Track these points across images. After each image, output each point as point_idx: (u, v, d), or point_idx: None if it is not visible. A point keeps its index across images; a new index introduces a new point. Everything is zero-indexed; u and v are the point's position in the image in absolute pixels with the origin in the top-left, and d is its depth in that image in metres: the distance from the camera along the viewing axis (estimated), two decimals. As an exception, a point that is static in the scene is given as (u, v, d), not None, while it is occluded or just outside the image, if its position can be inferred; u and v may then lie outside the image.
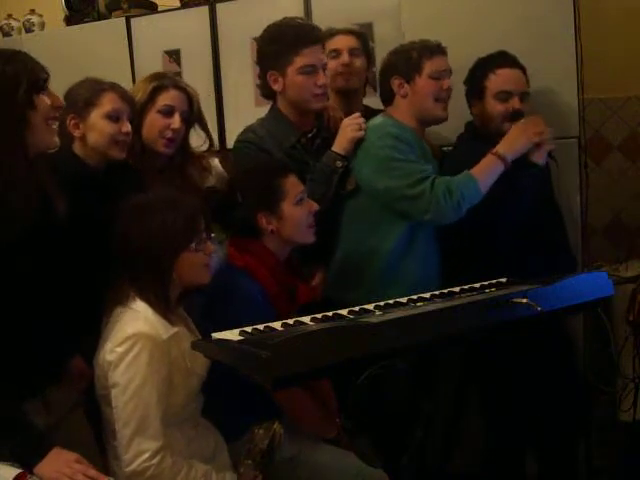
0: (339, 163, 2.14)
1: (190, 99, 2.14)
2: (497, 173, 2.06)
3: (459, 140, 2.35)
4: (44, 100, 1.55)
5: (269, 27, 2.22)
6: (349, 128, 2.17)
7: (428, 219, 2.06)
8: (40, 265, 1.55)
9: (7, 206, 1.48)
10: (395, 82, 2.18)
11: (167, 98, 2.10)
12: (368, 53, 2.51)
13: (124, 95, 1.95)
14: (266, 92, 2.28)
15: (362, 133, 2.15)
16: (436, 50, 2.17)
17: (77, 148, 1.91)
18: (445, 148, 2.44)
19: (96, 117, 1.89)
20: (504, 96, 2.18)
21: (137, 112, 2.04)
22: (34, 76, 1.53)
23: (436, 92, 2.15)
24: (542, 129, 2.09)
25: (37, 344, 1.55)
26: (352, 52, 2.44)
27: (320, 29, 2.25)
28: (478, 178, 2.04)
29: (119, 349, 1.57)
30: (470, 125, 2.32)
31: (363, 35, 2.52)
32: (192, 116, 2.15)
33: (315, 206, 1.97)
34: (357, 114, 2.22)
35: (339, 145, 2.17)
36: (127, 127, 1.92)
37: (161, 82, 2.12)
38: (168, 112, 2.09)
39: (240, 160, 2.24)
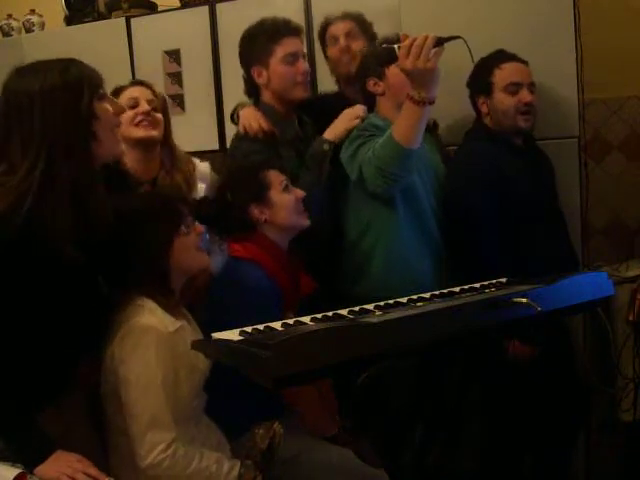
0: (326, 146, 2.18)
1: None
2: (418, 118, 1.89)
3: (468, 137, 2.34)
4: (106, 108, 1.51)
5: (248, 28, 2.30)
6: (347, 117, 2.19)
7: (372, 191, 2.06)
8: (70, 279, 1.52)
9: (78, 227, 1.45)
10: (370, 83, 2.19)
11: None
12: (368, 34, 2.48)
13: None
14: (250, 89, 2.34)
15: (357, 121, 2.17)
16: (397, 39, 2.10)
17: None
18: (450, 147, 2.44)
19: None
20: (513, 88, 2.19)
21: None
22: (94, 83, 1.50)
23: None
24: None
25: (48, 352, 1.52)
26: (349, 35, 2.44)
27: (297, 23, 2.30)
28: (394, 131, 1.93)
29: (127, 343, 1.57)
30: (479, 124, 2.32)
31: (359, 17, 2.49)
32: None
33: (301, 193, 2.02)
34: (360, 105, 2.23)
35: (331, 132, 2.20)
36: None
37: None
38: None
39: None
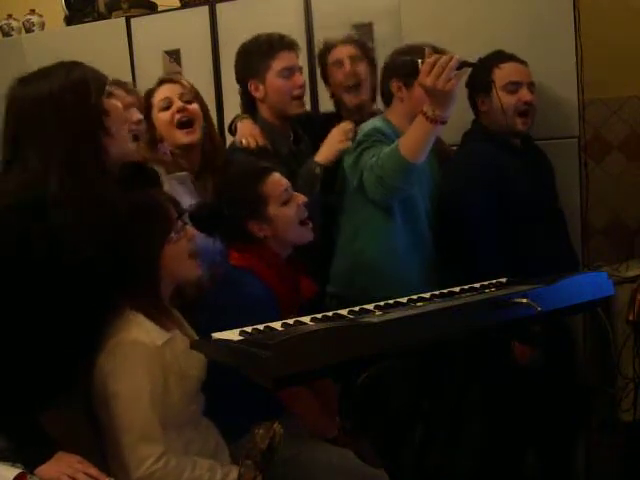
0: (317, 169, 2.18)
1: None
2: (427, 135, 1.91)
3: (466, 138, 2.34)
4: (115, 104, 1.52)
5: (243, 43, 2.32)
6: (336, 139, 2.20)
7: (370, 198, 2.06)
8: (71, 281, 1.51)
9: (79, 229, 1.43)
10: (394, 85, 2.18)
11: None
12: (369, 59, 2.47)
13: (124, 87, 1.99)
14: (247, 104, 2.36)
15: (348, 144, 2.17)
16: (422, 52, 2.10)
17: None
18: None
19: None
20: (513, 87, 2.20)
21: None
22: (100, 81, 1.51)
23: None
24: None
25: (48, 352, 1.52)
26: (353, 59, 2.41)
27: (292, 38, 2.31)
28: (401, 144, 1.94)
29: (114, 358, 1.56)
30: (478, 124, 2.32)
31: (361, 42, 2.48)
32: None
33: (302, 198, 1.96)
34: (347, 122, 2.23)
35: (322, 155, 2.20)
36: (136, 115, 1.94)
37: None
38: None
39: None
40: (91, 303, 1.57)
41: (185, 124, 2.16)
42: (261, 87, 2.28)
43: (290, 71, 2.27)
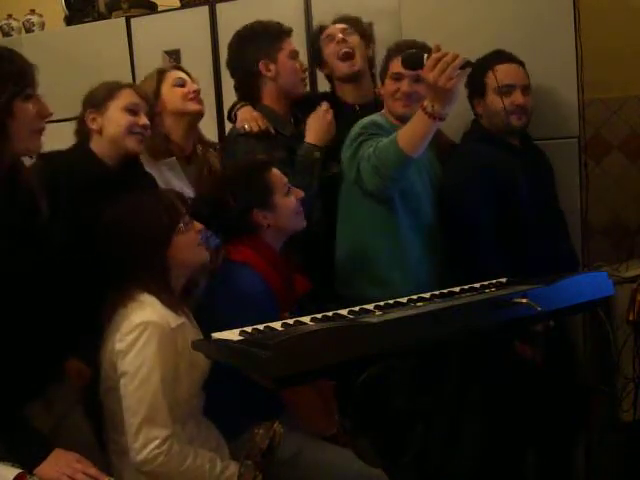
0: (317, 154, 2.22)
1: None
2: (425, 130, 1.92)
3: (465, 138, 2.35)
4: (25, 108, 1.49)
5: (244, 28, 2.37)
6: (317, 116, 2.26)
7: (366, 189, 2.09)
8: (35, 265, 1.53)
9: None
10: (379, 86, 2.32)
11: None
12: (362, 32, 2.48)
13: (141, 93, 2.02)
14: (248, 91, 2.39)
15: (330, 116, 2.25)
16: (395, 52, 2.20)
17: (94, 145, 1.93)
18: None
19: (114, 109, 1.93)
20: (506, 90, 2.19)
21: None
22: (22, 82, 1.49)
23: (393, 92, 2.21)
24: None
25: (36, 343, 1.53)
26: (344, 32, 2.43)
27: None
28: (399, 136, 1.96)
29: (128, 337, 1.59)
30: (477, 124, 2.32)
31: (353, 18, 2.49)
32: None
33: (301, 193, 2.01)
34: (324, 103, 2.31)
35: (314, 136, 2.25)
36: (144, 120, 1.96)
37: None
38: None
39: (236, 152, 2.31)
40: (67, 295, 1.58)
41: (198, 100, 2.27)
42: (272, 66, 2.32)
43: (296, 54, 2.36)
